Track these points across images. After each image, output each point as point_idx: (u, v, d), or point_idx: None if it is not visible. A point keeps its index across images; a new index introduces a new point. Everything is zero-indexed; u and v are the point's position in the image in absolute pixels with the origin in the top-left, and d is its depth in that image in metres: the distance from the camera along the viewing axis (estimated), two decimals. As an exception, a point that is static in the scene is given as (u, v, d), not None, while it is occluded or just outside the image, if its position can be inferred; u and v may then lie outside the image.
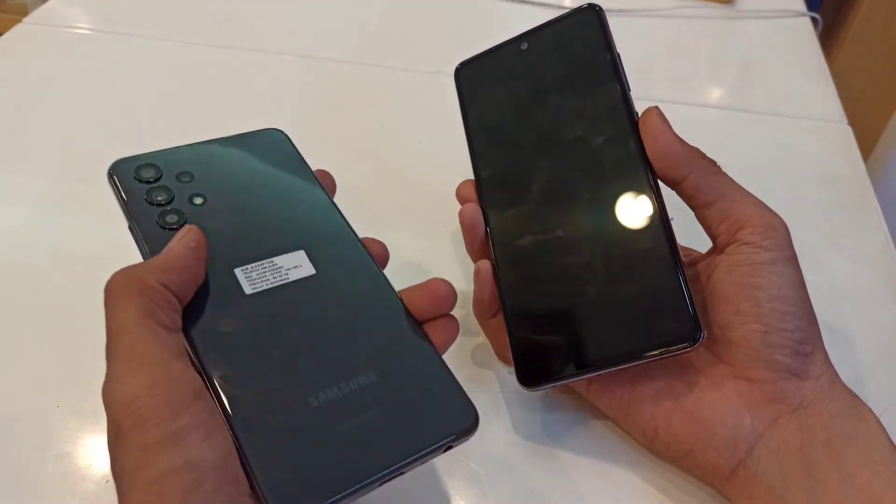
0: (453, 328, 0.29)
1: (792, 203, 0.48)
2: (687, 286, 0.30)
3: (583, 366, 0.31)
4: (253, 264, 0.29)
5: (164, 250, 0.27)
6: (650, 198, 0.31)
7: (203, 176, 0.32)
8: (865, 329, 0.40)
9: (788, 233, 0.30)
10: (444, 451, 0.26)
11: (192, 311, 0.27)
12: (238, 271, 0.29)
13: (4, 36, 0.60)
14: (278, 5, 0.67)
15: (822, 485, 0.27)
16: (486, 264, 0.33)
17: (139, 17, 0.63)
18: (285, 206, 0.32)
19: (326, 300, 0.29)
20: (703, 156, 0.32)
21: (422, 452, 0.26)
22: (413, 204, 0.47)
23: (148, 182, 0.31)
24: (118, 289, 0.25)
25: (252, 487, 0.23)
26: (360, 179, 0.48)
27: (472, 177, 0.36)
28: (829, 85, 0.61)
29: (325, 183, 0.33)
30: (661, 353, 0.29)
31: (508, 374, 0.37)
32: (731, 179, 0.31)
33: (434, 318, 0.29)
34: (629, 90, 0.33)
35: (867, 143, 1.10)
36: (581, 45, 0.34)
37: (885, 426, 0.28)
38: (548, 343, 0.32)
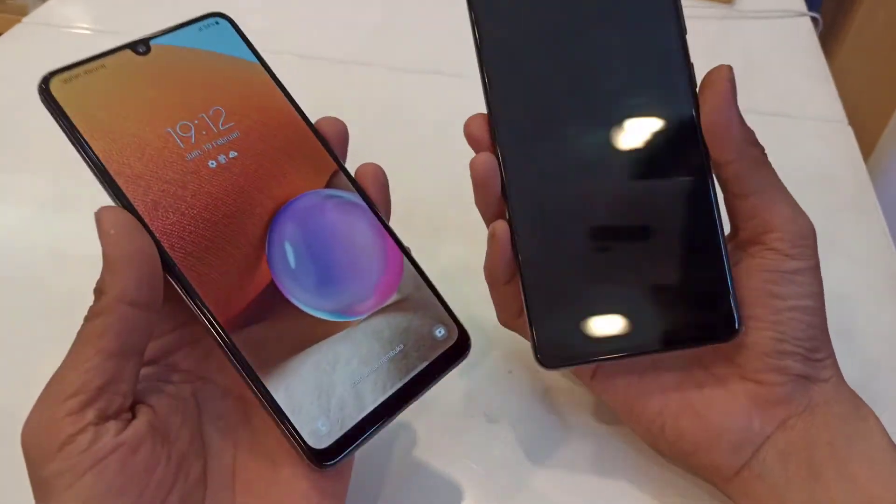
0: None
1: (792, 203, 0.48)
2: (731, 277, 0.28)
3: (611, 350, 0.29)
4: None
5: None
6: (702, 175, 0.29)
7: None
8: (865, 329, 0.40)
9: (816, 240, 0.29)
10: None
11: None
12: None
13: (4, 36, 0.60)
14: (278, 5, 0.67)
15: (822, 485, 0.27)
16: (502, 227, 0.29)
17: (139, 17, 0.63)
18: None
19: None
20: (755, 141, 0.29)
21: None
22: (412, 203, 0.47)
23: None
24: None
25: None
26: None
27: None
28: (829, 85, 0.61)
29: (335, 133, 0.30)
30: (696, 344, 0.28)
31: (508, 374, 0.36)
32: (772, 173, 0.29)
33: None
34: (686, 32, 0.29)
35: (867, 143, 1.10)
36: None
37: (885, 426, 0.28)
38: (573, 322, 0.29)
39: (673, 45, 0.29)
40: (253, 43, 0.29)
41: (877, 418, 0.29)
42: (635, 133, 0.29)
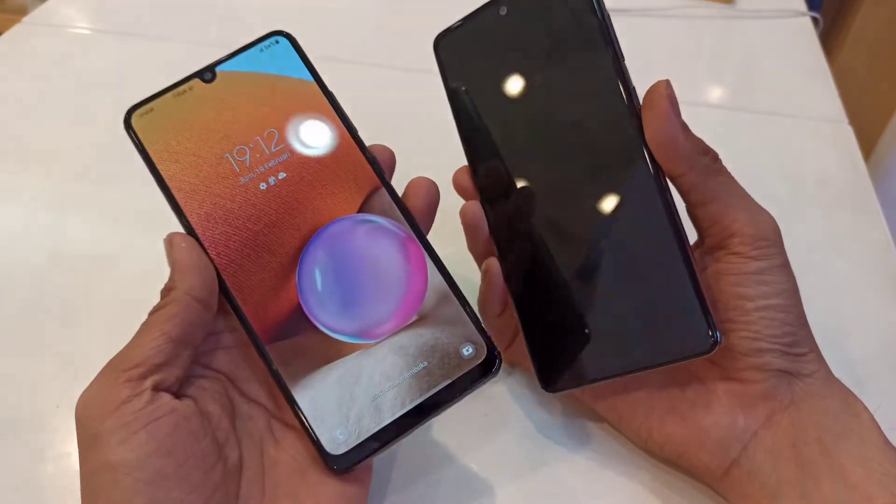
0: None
1: (792, 203, 0.48)
2: (699, 289, 0.28)
3: (606, 371, 0.30)
4: None
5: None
6: (655, 192, 0.29)
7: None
8: (865, 329, 0.40)
9: (780, 239, 0.29)
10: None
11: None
12: None
13: (4, 36, 0.60)
14: (278, 5, 0.67)
15: (815, 482, 0.27)
16: (494, 263, 0.32)
17: (139, 17, 0.63)
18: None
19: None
20: (706, 150, 0.30)
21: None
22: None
23: None
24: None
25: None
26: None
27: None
28: (829, 85, 0.61)
29: (383, 158, 0.31)
30: (678, 360, 0.29)
31: (508, 376, 0.37)
32: (728, 178, 0.30)
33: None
34: (623, 59, 0.30)
35: (867, 143, 1.10)
36: (564, 8, 0.30)
37: (881, 424, 0.28)
38: (568, 348, 0.31)
39: (614, 74, 0.30)
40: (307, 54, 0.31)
41: (870, 415, 0.28)
42: (595, 167, 0.31)
